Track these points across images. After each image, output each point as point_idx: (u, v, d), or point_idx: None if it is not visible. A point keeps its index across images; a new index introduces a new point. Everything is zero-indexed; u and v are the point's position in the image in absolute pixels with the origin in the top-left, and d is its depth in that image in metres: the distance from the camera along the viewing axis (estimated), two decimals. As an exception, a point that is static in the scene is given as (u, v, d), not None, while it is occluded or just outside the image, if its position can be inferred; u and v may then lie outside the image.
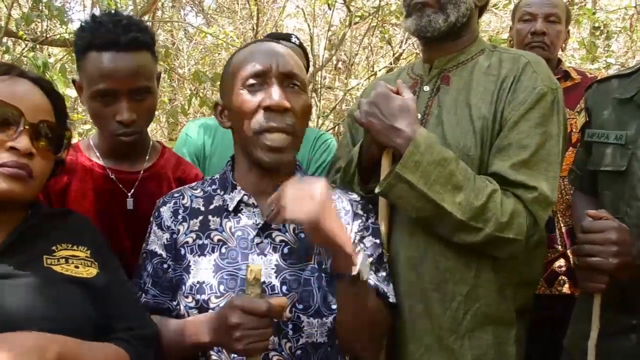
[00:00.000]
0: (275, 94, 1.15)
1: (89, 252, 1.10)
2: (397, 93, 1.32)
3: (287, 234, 1.20)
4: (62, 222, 1.13)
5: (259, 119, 1.16)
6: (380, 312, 1.22)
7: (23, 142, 0.98)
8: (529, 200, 1.26)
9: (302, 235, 1.20)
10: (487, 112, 1.32)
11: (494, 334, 1.33)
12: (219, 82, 1.37)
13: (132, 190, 1.46)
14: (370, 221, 1.29)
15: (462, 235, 1.26)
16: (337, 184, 1.45)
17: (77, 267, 1.04)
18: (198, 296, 1.16)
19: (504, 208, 1.24)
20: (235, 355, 1.14)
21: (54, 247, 1.06)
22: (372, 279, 1.23)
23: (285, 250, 1.19)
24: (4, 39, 3.11)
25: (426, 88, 1.44)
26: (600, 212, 1.31)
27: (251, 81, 1.17)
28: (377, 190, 1.29)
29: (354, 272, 1.08)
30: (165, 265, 1.23)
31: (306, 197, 1.04)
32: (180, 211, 1.25)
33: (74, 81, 1.44)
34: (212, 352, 1.17)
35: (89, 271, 1.06)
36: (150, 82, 1.39)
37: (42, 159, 1.03)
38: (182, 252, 1.21)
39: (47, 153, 1.05)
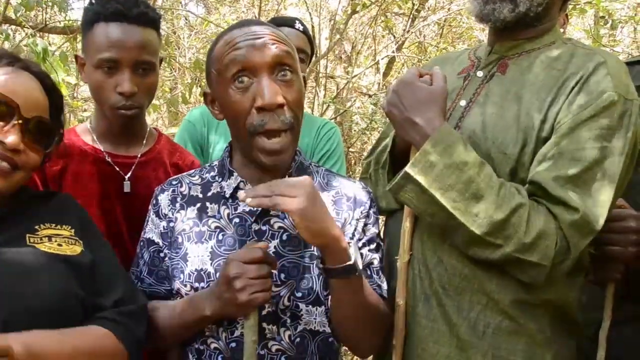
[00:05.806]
0: (266, 90, 1.07)
1: (72, 230, 1.09)
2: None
3: (285, 220, 1.17)
4: (46, 202, 1.12)
5: (253, 119, 1.09)
6: (380, 307, 1.19)
7: (12, 137, 0.98)
8: (566, 223, 1.08)
9: None
10: (538, 109, 1.16)
11: (525, 355, 1.17)
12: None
13: (129, 174, 1.45)
14: (372, 210, 1.26)
15: (477, 250, 1.12)
16: (371, 167, 1.40)
17: (60, 245, 1.04)
18: (196, 284, 1.14)
19: (530, 226, 1.07)
20: (234, 345, 1.13)
21: (37, 227, 1.05)
22: (375, 278, 1.22)
23: (284, 237, 1.16)
24: (4, 26, 3.08)
25: (479, 73, 1.29)
26: (619, 200, 1.27)
27: (238, 76, 1.09)
28: (386, 188, 1.20)
29: (349, 262, 1.06)
30: (161, 254, 1.21)
31: (294, 191, 1.00)
32: (178, 199, 1.22)
33: (76, 57, 1.46)
34: (211, 339, 1.15)
35: (73, 249, 1.06)
36: (154, 59, 1.40)
37: (31, 153, 1.04)
38: (179, 239, 1.18)
39: (37, 148, 1.05)
